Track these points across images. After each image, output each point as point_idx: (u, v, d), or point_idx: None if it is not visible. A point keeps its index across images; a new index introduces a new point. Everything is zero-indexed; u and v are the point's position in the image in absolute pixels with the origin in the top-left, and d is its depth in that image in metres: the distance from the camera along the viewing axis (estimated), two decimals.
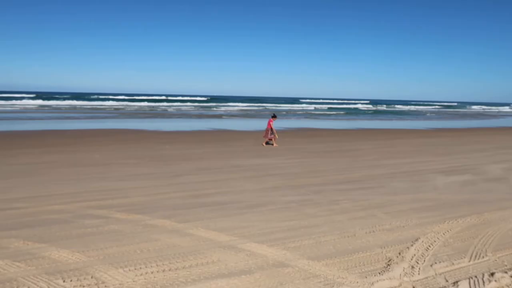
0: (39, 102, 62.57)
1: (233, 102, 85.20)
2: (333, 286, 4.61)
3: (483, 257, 5.56)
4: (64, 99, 74.50)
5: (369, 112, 67.86)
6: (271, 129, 18.00)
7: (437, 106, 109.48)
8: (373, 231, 6.55)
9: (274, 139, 18.01)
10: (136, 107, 61.58)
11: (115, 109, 54.09)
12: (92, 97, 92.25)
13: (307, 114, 53.39)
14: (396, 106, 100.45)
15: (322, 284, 4.67)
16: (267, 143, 18.06)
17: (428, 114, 65.09)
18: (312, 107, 78.65)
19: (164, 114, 45.12)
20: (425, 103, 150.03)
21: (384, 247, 5.84)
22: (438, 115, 62.30)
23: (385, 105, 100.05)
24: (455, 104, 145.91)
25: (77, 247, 5.60)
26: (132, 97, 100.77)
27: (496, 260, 5.45)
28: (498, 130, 32.85)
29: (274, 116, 18.95)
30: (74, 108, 53.43)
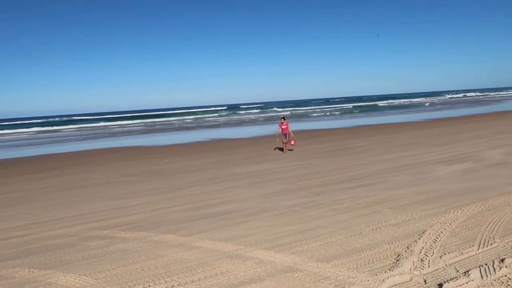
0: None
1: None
2: (344, 286, 4.57)
3: (491, 244, 5.53)
4: (52, 124, 74.14)
5: (358, 108, 67.99)
6: (288, 132, 16.88)
7: (428, 98, 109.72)
8: (379, 228, 6.52)
9: (286, 144, 16.92)
10: (128, 124, 61.42)
11: (107, 128, 54.01)
12: (75, 118, 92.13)
13: (301, 116, 53.42)
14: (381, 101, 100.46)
15: (333, 285, 4.62)
16: (288, 148, 17.01)
17: (427, 105, 65.15)
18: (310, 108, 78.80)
19: (158, 129, 45.06)
20: (412, 94, 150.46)
21: (392, 243, 5.81)
22: (432, 106, 62.46)
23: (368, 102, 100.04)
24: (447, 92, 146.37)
25: (84, 270, 5.55)
26: (121, 115, 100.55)
27: (505, 246, 5.43)
28: (493, 115, 32.94)
29: (283, 119, 17.72)
30: (65, 131, 53.32)
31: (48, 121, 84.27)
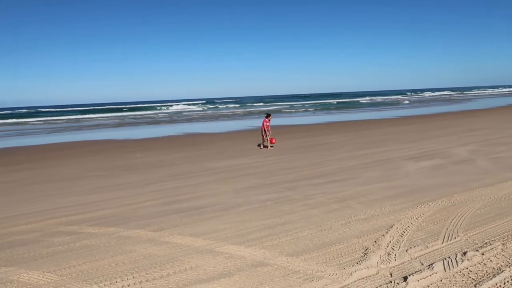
0: None
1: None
2: (312, 280, 4.62)
3: (455, 237, 5.71)
4: (20, 115, 71.55)
5: (336, 105, 68.88)
6: (267, 129, 16.47)
7: (406, 95, 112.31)
8: (349, 222, 6.62)
9: (269, 141, 16.53)
10: (99, 117, 59.95)
11: (79, 120, 52.62)
12: (48, 110, 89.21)
13: (277, 112, 53.64)
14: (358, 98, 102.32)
15: (301, 279, 4.66)
16: (265, 146, 16.62)
17: (406, 102, 66.49)
18: (285, 104, 79.17)
19: (131, 123, 44.24)
20: (386, 92, 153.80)
21: (360, 237, 5.91)
22: (406, 104, 63.96)
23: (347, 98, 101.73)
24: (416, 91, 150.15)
25: (48, 266, 5.38)
26: (94, 107, 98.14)
27: (467, 240, 5.62)
28: (463, 113, 34.04)
29: (268, 115, 17.26)
30: (39, 123, 51.64)
31: (14, 113, 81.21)
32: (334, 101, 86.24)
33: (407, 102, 69.30)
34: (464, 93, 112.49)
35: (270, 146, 16.53)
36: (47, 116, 65.73)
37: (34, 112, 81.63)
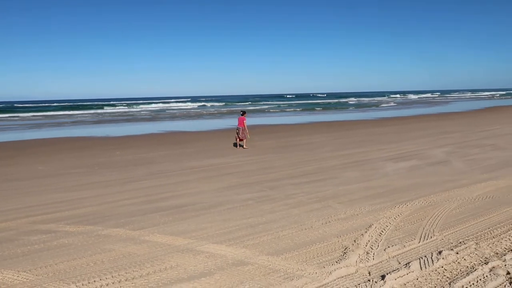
0: None
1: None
2: (292, 279, 4.66)
3: (431, 237, 5.86)
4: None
5: (322, 105, 69.48)
6: (245, 128, 16.38)
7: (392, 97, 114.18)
8: (329, 222, 6.70)
9: (246, 140, 16.47)
10: (79, 114, 58.70)
11: (54, 117, 51.40)
12: (24, 106, 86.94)
13: (262, 111, 53.72)
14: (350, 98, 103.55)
15: (282, 278, 4.70)
16: (240, 145, 16.52)
17: (391, 104, 67.47)
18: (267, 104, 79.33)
19: (111, 120, 43.53)
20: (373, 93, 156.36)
21: (340, 236, 5.99)
22: (389, 106, 65.06)
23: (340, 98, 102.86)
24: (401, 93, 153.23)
25: (23, 266, 5.25)
26: (74, 103, 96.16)
27: (443, 239, 5.77)
28: (441, 116, 34.87)
29: (244, 113, 17.09)
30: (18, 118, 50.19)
31: None
32: (320, 101, 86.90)
33: (392, 104, 70.31)
34: (444, 96, 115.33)
35: (241, 146, 16.48)
36: (23, 113, 63.92)
37: (10, 107, 79.21)
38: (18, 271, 5.08)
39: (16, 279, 4.87)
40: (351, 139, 18.40)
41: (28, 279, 4.86)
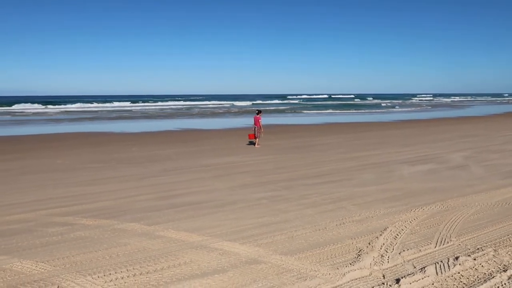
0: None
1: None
2: (306, 279, 4.64)
3: (447, 242, 5.76)
4: (32, 102, 70.96)
5: (335, 106, 68.94)
6: (260, 127, 16.58)
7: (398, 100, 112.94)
8: (343, 223, 6.65)
9: (258, 139, 16.61)
10: (96, 109, 59.55)
11: (81, 112, 52.33)
12: (57, 100, 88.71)
13: (276, 111, 53.62)
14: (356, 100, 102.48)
15: (295, 278, 4.69)
16: (253, 142, 16.69)
17: (397, 107, 66.69)
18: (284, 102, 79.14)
19: (129, 116, 44.08)
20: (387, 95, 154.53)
21: (354, 238, 5.94)
22: (403, 107, 64.20)
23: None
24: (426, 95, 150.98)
25: (41, 256, 5.37)
26: (97, 99, 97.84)
27: (460, 245, 5.67)
28: (462, 119, 34.24)
29: (259, 112, 17.28)
30: (43, 113, 51.25)
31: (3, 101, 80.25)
32: (333, 102, 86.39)
33: (397, 106, 69.33)
34: (463, 99, 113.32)
35: (253, 144, 16.67)
36: (43, 105, 65.20)
37: (24, 101, 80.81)
38: (37, 262, 5.20)
39: (34, 269, 4.98)
40: (368, 141, 18.21)
41: (46, 269, 4.96)
